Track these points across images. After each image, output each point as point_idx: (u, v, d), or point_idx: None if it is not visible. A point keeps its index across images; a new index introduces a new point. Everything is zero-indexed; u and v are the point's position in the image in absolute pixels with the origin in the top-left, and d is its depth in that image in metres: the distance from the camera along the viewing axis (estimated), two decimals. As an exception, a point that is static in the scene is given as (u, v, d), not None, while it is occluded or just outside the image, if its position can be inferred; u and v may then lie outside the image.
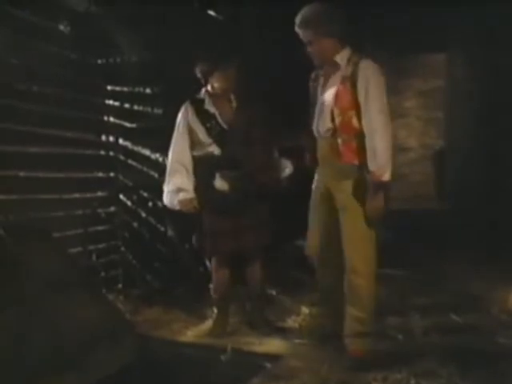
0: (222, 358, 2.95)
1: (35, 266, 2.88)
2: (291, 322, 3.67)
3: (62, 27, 3.79)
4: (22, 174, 3.60)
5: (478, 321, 3.50)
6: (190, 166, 3.33)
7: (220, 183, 3.27)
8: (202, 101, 3.35)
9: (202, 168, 3.31)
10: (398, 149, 8.90)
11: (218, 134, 3.27)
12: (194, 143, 3.33)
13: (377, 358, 2.83)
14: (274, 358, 2.96)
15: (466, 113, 6.78)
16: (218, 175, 3.26)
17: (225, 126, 3.30)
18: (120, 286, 4.47)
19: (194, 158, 3.34)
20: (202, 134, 3.30)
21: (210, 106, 3.32)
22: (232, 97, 3.36)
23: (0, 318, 2.53)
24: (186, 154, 3.33)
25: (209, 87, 3.34)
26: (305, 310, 3.86)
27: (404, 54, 7.37)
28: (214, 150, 3.28)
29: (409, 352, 3.02)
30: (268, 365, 2.86)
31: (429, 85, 8.48)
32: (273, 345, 3.25)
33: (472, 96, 6.63)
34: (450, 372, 2.74)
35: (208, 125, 3.28)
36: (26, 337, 2.53)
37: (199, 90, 3.39)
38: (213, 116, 3.31)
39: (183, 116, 3.35)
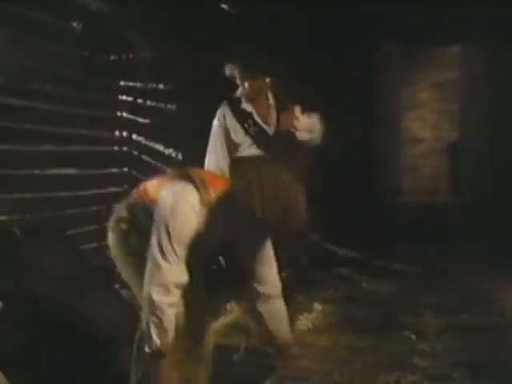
0: (235, 357, 2.95)
1: (49, 265, 2.93)
2: (304, 320, 3.66)
3: (74, 25, 3.79)
4: (36, 172, 3.63)
5: (490, 322, 3.48)
6: (226, 169, 3.13)
7: None
8: (239, 100, 3.14)
9: (241, 170, 3.03)
10: (411, 140, 8.86)
11: (256, 135, 3.10)
12: (231, 145, 3.14)
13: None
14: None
15: (481, 105, 6.72)
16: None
17: (263, 126, 3.12)
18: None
19: (232, 160, 3.15)
20: (240, 134, 3.12)
21: (246, 105, 3.13)
22: (269, 94, 3.14)
23: (15, 317, 2.58)
24: (222, 157, 3.15)
25: (246, 85, 3.08)
26: (317, 306, 3.85)
27: (418, 46, 7.28)
28: (253, 151, 3.09)
29: (421, 353, 3.02)
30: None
31: (443, 77, 8.37)
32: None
33: (486, 88, 6.56)
34: (463, 374, 2.74)
35: (246, 125, 3.10)
36: (40, 337, 2.57)
37: (235, 88, 3.18)
38: (250, 115, 3.12)
39: (219, 117, 3.17)
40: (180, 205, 2.00)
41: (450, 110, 8.23)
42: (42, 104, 3.64)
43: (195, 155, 4.59)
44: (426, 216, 6.27)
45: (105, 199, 4.32)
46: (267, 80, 3.09)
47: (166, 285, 1.97)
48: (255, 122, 3.10)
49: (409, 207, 6.96)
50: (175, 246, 1.98)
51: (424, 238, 5.36)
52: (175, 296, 2.00)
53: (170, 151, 4.59)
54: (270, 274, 2.27)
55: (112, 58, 4.44)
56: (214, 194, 2.04)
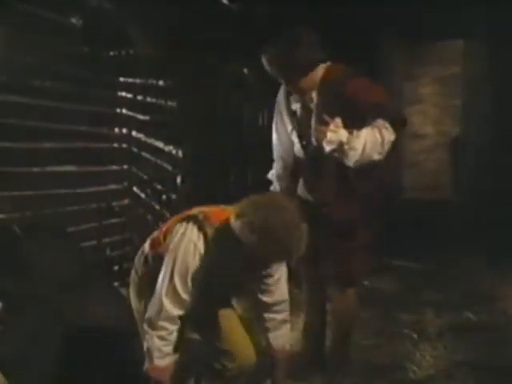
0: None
1: (49, 262, 2.92)
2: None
3: (74, 21, 3.76)
4: (36, 169, 3.62)
5: (492, 321, 3.46)
6: (289, 159, 2.67)
7: (303, 192, 2.65)
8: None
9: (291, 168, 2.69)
10: (413, 136, 8.81)
11: (298, 136, 2.60)
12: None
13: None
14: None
15: (484, 100, 6.69)
16: (301, 181, 2.65)
17: (299, 129, 2.60)
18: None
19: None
20: (289, 127, 2.65)
21: (293, 100, 2.61)
22: (314, 94, 2.51)
23: (14, 317, 2.58)
24: (282, 142, 2.69)
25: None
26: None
27: (421, 40, 7.23)
28: (299, 152, 2.62)
29: (423, 352, 3.01)
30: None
31: (446, 71, 8.32)
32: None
33: (490, 83, 6.53)
34: (465, 373, 2.73)
35: (292, 121, 2.62)
36: (40, 336, 2.56)
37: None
38: (294, 113, 2.61)
39: (278, 95, 2.71)
40: (181, 243, 2.00)
41: (453, 105, 8.18)
42: (41, 101, 3.62)
43: (195, 152, 4.61)
44: (427, 213, 6.23)
45: (105, 196, 4.32)
46: (314, 77, 2.47)
47: (154, 321, 2.00)
48: (297, 122, 2.60)
49: (410, 204, 6.91)
50: (177, 282, 1.97)
51: (425, 235, 5.33)
52: (164, 329, 2.01)
53: (170, 148, 4.57)
54: (277, 285, 2.24)
55: (112, 54, 4.41)
56: (217, 226, 2.01)
